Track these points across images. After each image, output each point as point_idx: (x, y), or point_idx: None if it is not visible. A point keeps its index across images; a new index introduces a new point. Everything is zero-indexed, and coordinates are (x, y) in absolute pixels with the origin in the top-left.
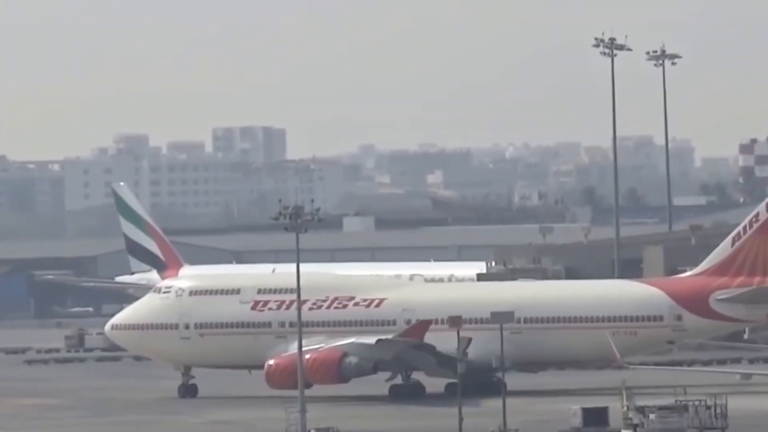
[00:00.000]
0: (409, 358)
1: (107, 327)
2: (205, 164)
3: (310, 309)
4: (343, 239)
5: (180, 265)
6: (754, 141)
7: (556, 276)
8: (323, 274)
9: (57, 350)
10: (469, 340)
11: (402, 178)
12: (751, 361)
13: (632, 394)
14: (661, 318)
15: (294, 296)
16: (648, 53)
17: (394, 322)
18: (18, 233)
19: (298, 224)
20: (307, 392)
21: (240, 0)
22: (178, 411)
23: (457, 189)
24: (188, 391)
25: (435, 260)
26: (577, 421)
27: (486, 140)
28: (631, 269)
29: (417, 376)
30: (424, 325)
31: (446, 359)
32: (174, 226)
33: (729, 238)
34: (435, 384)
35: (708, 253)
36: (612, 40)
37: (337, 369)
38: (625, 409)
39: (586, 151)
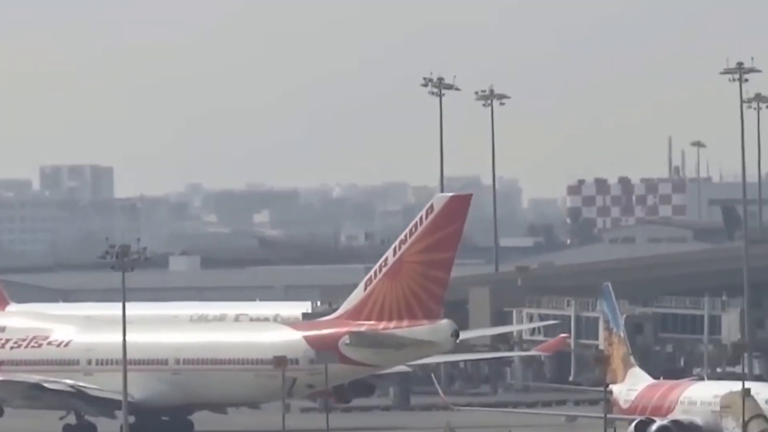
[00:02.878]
0: (32, 397)
1: None
2: (33, 202)
3: (12, 348)
4: (169, 278)
5: (6, 303)
6: (581, 182)
7: None
8: (28, 314)
9: None
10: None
11: (229, 218)
12: (577, 403)
13: None
14: (296, 361)
15: (12, 336)
16: (476, 93)
17: (77, 362)
18: None
19: (125, 263)
20: None
21: (65, 39)
22: None
23: (284, 228)
24: None
25: (261, 300)
26: None
27: (313, 180)
28: (457, 310)
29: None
30: None
31: (98, 401)
32: (0, 264)
33: (362, 282)
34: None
35: (535, 294)
36: (440, 79)
37: None
38: None
39: (414, 191)
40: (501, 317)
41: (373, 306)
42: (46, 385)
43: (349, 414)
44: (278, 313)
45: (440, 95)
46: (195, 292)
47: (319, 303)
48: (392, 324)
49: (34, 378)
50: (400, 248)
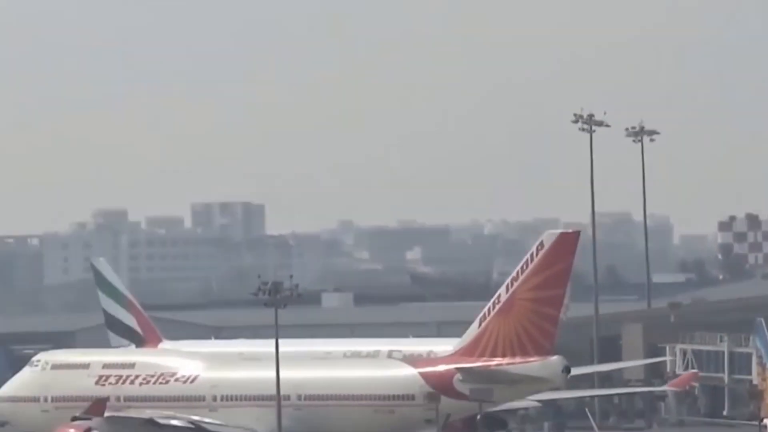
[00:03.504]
0: None
1: None
2: (184, 239)
3: (141, 384)
4: (321, 315)
5: (159, 340)
6: (732, 218)
7: None
8: (157, 351)
9: None
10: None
11: (381, 254)
12: None
13: None
14: (413, 397)
15: (131, 372)
16: (626, 129)
17: (203, 398)
18: None
19: (277, 300)
20: None
21: (209, 72)
22: None
23: (436, 265)
24: None
25: (414, 336)
26: None
27: (464, 216)
28: (610, 346)
29: None
30: (100, 402)
31: None
32: (153, 301)
33: (477, 319)
34: None
35: (688, 330)
36: (590, 116)
37: None
38: None
39: (565, 228)
40: (654, 353)
41: (486, 342)
42: (159, 420)
43: None
44: (431, 349)
45: (591, 131)
46: (348, 329)
47: None
48: (505, 360)
49: (146, 413)
50: (512, 285)
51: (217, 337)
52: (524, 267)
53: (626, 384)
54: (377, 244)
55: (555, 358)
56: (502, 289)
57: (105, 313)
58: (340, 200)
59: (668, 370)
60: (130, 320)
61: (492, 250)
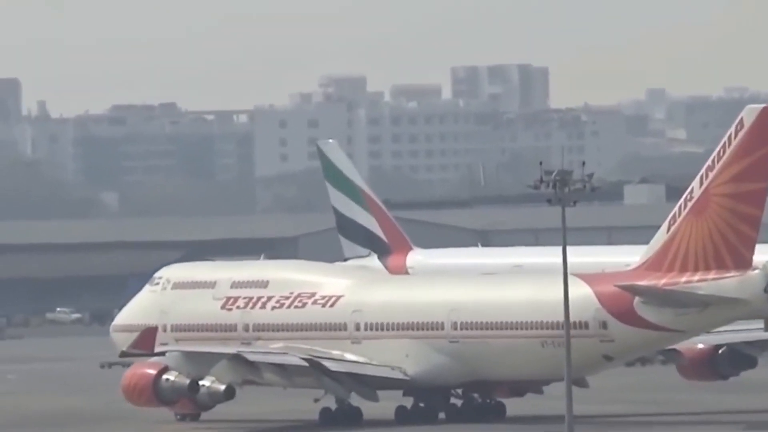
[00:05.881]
0: (239, 373)
1: (111, 328)
2: (442, 115)
3: (273, 308)
4: (624, 214)
5: (408, 249)
6: None
7: None
8: (288, 263)
9: None
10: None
11: (702, 133)
12: None
13: None
14: (585, 325)
15: (263, 292)
16: None
17: (344, 326)
18: (194, 207)
19: (565, 194)
20: None
21: None
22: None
23: None
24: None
25: None
26: None
27: None
28: None
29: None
30: (149, 333)
31: (347, 378)
32: (400, 198)
33: (666, 222)
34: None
35: None
36: None
37: (152, 390)
38: None
39: None
40: None
41: (676, 252)
42: (247, 357)
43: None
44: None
45: None
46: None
47: None
48: (696, 276)
49: (231, 348)
50: (706, 177)
51: (484, 244)
52: (721, 153)
53: None
54: (697, 120)
55: (756, 272)
56: (695, 182)
57: (335, 212)
58: (649, 64)
59: None
60: (369, 222)
61: None
